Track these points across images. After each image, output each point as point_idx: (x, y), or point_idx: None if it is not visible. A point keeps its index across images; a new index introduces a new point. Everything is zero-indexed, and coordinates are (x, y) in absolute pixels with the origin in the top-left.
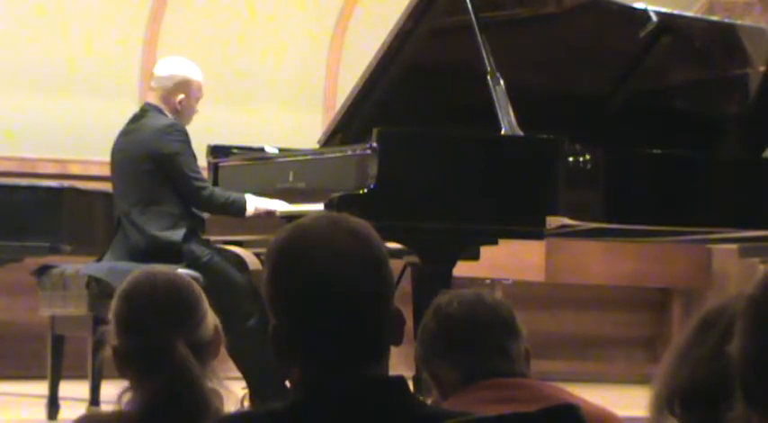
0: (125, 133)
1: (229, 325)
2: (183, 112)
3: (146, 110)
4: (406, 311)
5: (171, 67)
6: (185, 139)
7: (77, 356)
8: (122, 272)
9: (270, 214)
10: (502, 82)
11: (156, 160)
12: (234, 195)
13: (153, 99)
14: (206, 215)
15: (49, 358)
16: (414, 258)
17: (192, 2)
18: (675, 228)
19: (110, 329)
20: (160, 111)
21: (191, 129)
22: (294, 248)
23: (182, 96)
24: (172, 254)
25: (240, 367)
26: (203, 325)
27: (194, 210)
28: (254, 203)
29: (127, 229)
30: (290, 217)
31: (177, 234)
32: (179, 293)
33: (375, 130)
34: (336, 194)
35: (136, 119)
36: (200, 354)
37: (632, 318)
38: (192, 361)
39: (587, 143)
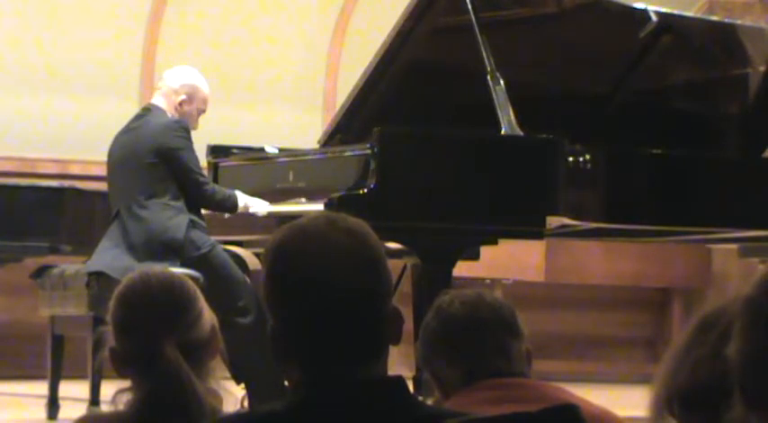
0: (127, 130)
1: (226, 319)
2: (184, 116)
3: (148, 109)
4: (405, 311)
5: (181, 71)
6: (189, 137)
7: (77, 356)
8: (122, 267)
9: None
10: (502, 82)
11: (161, 154)
12: (227, 191)
13: (156, 99)
14: (203, 211)
15: (49, 358)
16: (414, 258)
17: (192, 2)
18: (675, 228)
19: (108, 331)
20: (163, 111)
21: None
22: (292, 248)
23: (183, 97)
24: (171, 248)
25: (234, 365)
26: (198, 324)
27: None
28: (243, 200)
29: (127, 223)
30: (288, 217)
31: (179, 224)
32: (173, 293)
33: (375, 130)
34: (336, 194)
35: (139, 117)
36: (195, 354)
37: (632, 318)
38: (182, 362)
39: (587, 143)
